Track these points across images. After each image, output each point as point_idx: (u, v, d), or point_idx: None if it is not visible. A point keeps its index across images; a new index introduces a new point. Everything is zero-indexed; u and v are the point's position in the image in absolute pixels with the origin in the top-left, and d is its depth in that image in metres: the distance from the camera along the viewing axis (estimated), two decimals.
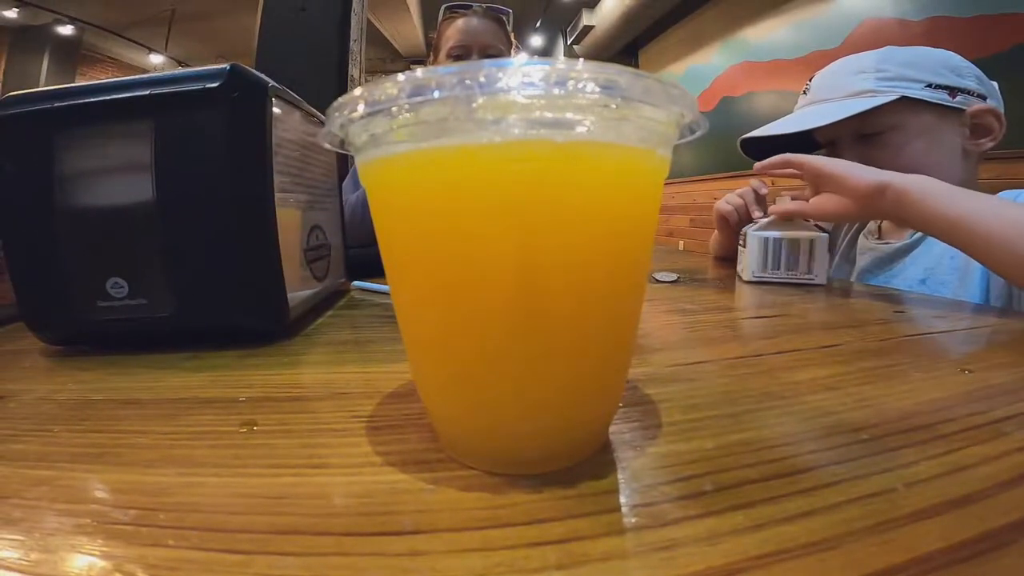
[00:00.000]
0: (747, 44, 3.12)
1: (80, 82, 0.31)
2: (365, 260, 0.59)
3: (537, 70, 0.13)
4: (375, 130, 0.15)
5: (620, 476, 0.16)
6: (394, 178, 0.16)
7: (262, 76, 0.32)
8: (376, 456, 0.18)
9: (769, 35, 2.91)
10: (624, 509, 0.15)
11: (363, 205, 0.74)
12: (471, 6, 0.99)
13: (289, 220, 0.35)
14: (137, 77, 0.31)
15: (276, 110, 0.32)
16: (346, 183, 0.87)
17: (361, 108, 0.14)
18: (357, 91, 0.14)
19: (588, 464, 0.17)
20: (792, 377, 0.25)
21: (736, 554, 0.13)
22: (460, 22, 0.98)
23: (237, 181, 0.31)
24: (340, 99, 0.15)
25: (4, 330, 0.38)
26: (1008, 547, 0.13)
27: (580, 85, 0.13)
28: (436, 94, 0.13)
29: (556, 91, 0.13)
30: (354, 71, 1.41)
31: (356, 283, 0.53)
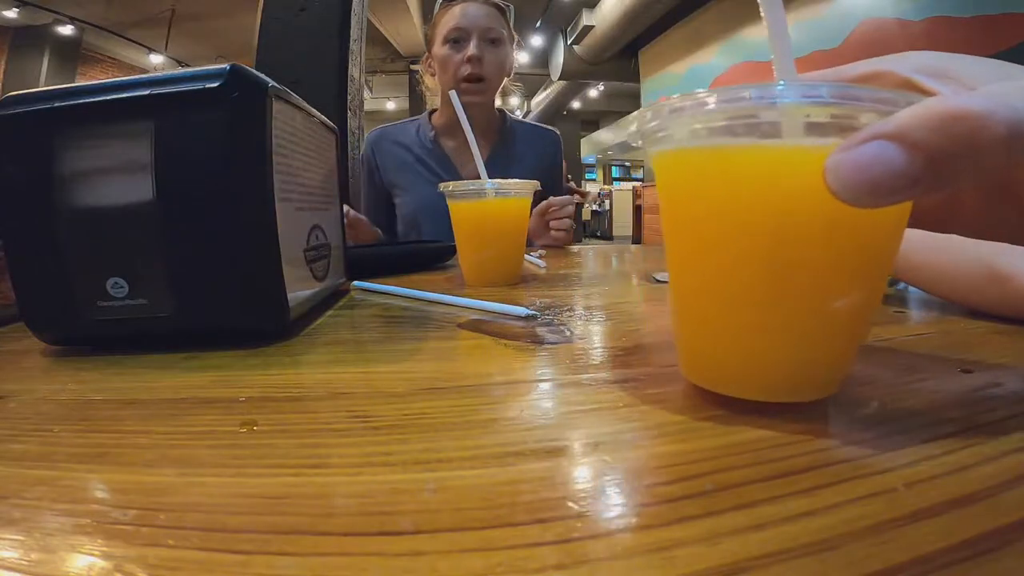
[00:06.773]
0: (747, 44, 3.12)
1: (80, 82, 0.31)
2: (365, 260, 0.58)
3: (818, 84, 0.16)
4: (678, 129, 0.20)
5: (620, 476, 0.16)
6: (683, 168, 0.21)
7: (262, 76, 0.32)
8: (376, 456, 0.18)
9: None
10: (625, 509, 0.15)
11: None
12: None
13: (289, 220, 0.35)
14: (137, 77, 0.31)
15: (276, 110, 0.32)
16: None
17: (665, 111, 0.19)
18: (675, 98, 0.19)
19: (588, 464, 0.17)
20: None
21: (736, 554, 0.12)
22: (457, 8, 0.97)
23: (237, 181, 0.31)
24: (650, 105, 0.20)
25: (4, 330, 0.38)
26: (1008, 547, 0.13)
27: (853, 100, 0.16)
28: (726, 105, 0.17)
29: (832, 102, 0.16)
30: (354, 71, 1.41)
31: (356, 283, 0.53)
